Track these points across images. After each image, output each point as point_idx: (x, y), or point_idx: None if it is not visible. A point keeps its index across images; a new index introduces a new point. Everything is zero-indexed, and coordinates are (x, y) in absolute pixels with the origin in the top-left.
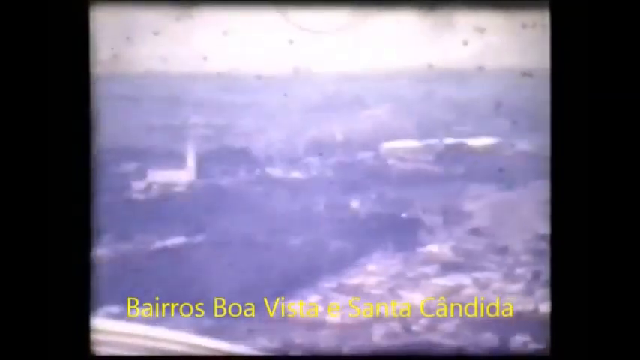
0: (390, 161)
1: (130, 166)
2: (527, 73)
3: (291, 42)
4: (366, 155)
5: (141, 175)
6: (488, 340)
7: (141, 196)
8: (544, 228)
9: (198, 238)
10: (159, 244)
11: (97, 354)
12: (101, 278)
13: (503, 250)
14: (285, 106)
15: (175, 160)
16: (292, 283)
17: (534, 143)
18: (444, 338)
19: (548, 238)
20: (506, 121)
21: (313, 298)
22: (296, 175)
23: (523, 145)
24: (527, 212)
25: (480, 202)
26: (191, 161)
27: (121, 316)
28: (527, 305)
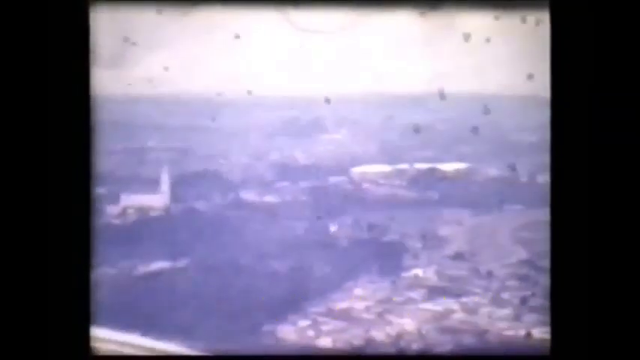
0: (364, 185)
1: (100, 190)
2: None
3: (249, 66)
4: (338, 179)
5: (114, 199)
6: None
7: (117, 221)
8: (524, 253)
9: (182, 262)
10: (142, 269)
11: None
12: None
13: (487, 275)
14: (244, 130)
15: (144, 184)
16: (281, 308)
17: (503, 168)
18: None
19: (530, 262)
20: (470, 147)
21: (303, 323)
22: (270, 199)
23: (492, 170)
24: (504, 237)
25: (456, 227)
26: (165, 185)
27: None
28: (519, 330)
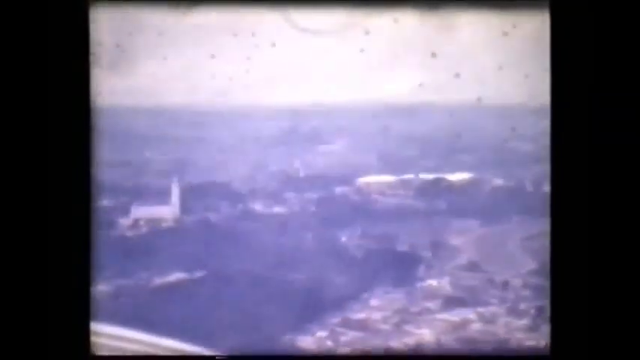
0: (371, 196)
1: (108, 202)
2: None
3: (247, 72)
4: (344, 190)
5: (124, 211)
6: None
7: (129, 232)
8: (535, 263)
9: (199, 273)
10: (159, 280)
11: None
12: (104, 314)
13: (501, 286)
14: (240, 141)
15: (150, 196)
16: (298, 318)
17: (507, 178)
18: None
19: (543, 272)
20: (469, 156)
21: (321, 333)
22: (278, 210)
23: (498, 180)
24: (514, 247)
25: (466, 237)
26: (175, 197)
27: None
28: (540, 341)
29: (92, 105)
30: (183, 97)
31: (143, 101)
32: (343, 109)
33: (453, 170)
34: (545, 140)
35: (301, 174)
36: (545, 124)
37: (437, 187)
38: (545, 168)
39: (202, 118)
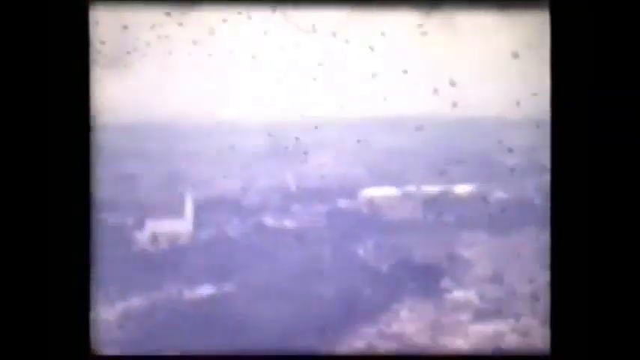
0: (377, 209)
1: (118, 216)
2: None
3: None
4: (348, 203)
5: (139, 225)
6: None
7: (149, 248)
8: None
9: (228, 287)
10: (189, 293)
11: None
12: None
13: (528, 297)
14: (224, 155)
15: (156, 210)
16: (332, 332)
17: (509, 190)
18: None
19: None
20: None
21: (357, 345)
22: (289, 223)
23: (500, 192)
24: (528, 259)
25: (479, 249)
26: (189, 211)
27: None
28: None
29: (92, 104)
30: (161, 110)
31: (130, 115)
32: (323, 123)
33: (442, 182)
34: (534, 154)
35: (295, 188)
36: (533, 136)
37: (442, 200)
38: (541, 180)
39: (176, 131)
